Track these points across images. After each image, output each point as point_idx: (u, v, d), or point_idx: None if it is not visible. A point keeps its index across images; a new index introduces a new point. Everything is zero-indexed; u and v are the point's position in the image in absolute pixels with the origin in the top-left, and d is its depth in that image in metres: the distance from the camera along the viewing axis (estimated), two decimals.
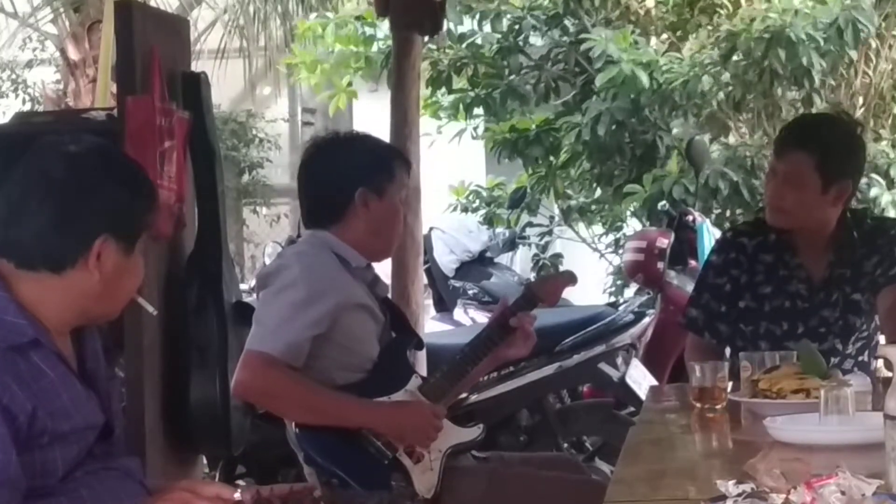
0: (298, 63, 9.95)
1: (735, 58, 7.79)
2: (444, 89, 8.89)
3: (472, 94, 8.85)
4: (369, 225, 3.32)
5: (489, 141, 8.91)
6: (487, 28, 8.81)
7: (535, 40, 8.89)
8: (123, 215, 2.28)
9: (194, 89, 4.71)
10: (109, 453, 2.32)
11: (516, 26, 8.68)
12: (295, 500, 2.75)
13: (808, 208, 3.48)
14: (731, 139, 8.49)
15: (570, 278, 3.64)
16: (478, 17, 8.75)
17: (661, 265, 6.47)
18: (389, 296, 3.66)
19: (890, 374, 2.16)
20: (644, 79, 7.92)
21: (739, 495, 1.77)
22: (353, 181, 3.31)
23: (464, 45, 8.80)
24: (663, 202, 7.77)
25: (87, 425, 2.28)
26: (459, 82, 8.91)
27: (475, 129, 9.44)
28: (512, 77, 8.75)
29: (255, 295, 3.55)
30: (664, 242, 6.57)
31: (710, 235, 6.65)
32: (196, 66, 5.15)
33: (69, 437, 2.23)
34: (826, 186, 3.45)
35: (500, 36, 8.73)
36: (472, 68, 8.82)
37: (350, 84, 9.89)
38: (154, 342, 4.35)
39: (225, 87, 10.16)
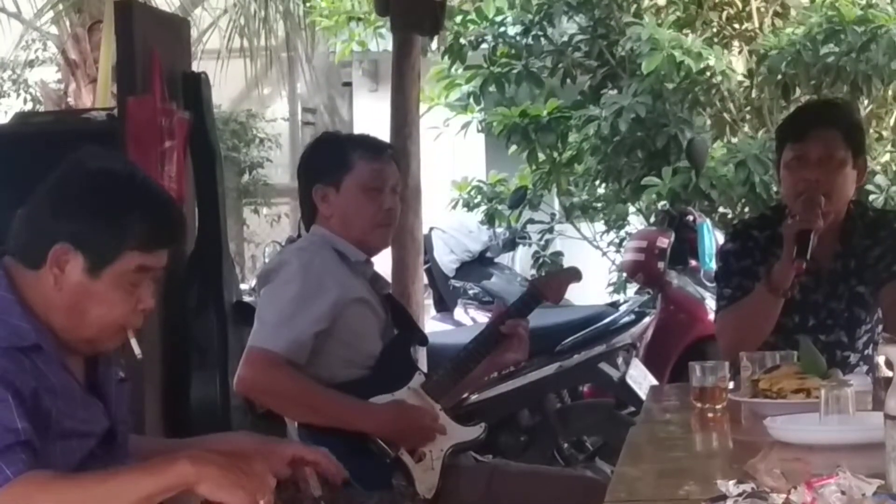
0: (318, 7, 10.00)
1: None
2: (458, 64, 8.90)
3: (488, 70, 8.82)
4: (337, 219, 3.34)
5: (499, 125, 8.87)
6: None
7: (560, 25, 8.85)
8: (88, 235, 2.23)
9: (195, 89, 4.72)
10: (110, 454, 2.32)
11: (545, 7, 8.63)
12: (296, 500, 2.75)
13: (846, 189, 3.45)
14: (735, 139, 8.49)
15: (575, 275, 3.62)
16: None
17: (661, 265, 6.47)
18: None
19: (890, 374, 2.16)
20: (693, 64, 7.84)
21: (740, 495, 1.77)
22: (309, 181, 3.38)
23: (488, 22, 8.81)
24: (664, 202, 7.78)
25: (87, 431, 2.28)
26: (476, 59, 8.92)
27: (481, 122, 9.43)
28: (531, 59, 8.73)
29: (255, 294, 3.56)
30: (665, 242, 6.57)
31: (710, 235, 6.66)
32: (197, 67, 5.16)
33: (70, 438, 2.24)
34: (854, 160, 3.44)
35: (529, 16, 8.71)
36: (492, 46, 8.83)
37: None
38: (154, 342, 4.36)
39: (225, 87, 10.17)
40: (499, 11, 8.91)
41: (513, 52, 8.84)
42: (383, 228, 3.39)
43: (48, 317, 2.25)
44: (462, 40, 8.83)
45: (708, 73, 8.02)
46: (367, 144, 3.43)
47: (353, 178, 3.33)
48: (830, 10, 7.78)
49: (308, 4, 10.82)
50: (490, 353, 3.43)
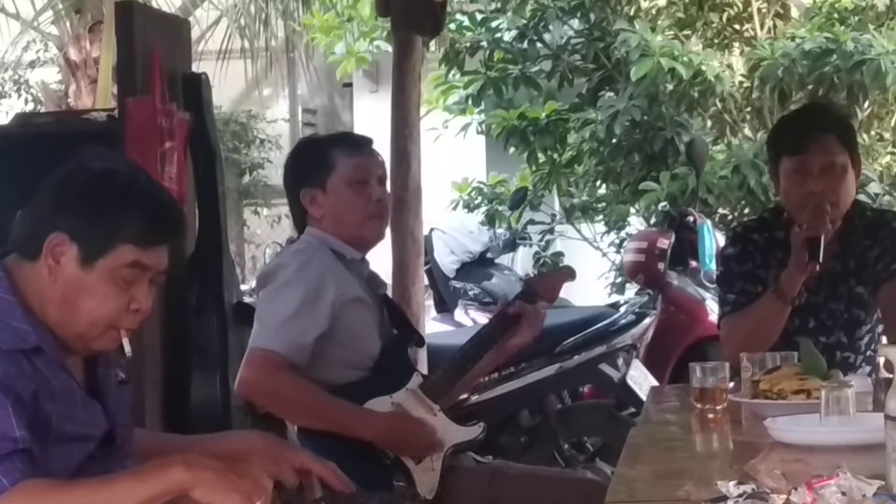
0: (315, 25, 9.99)
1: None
2: (455, 70, 8.89)
3: (485, 75, 8.81)
4: (328, 219, 3.34)
5: (497, 127, 8.86)
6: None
7: (556, 30, 8.85)
8: (84, 226, 2.23)
9: (195, 90, 4.72)
10: (109, 456, 2.32)
11: (539, 13, 8.64)
12: (296, 501, 2.75)
13: (850, 193, 3.44)
14: (735, 140, 8.49)
15: (569, 274, 3.62)
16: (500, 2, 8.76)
17: (661, 266, 6.48)
18: (389, 295, 3.64)
19: (890, 375, 2.16)
20: (683, 71, 7.84)
21: (740, 496, 1.77)
22: (295, 187, 3.39)
23: (483, 29, 8.81)
24: (664, 203, 7.78)
25: (87, 434, 2.28)
26: (473, 65, 8.93)
27: (480, 123, 9.42)
28: (527, 63, 8.73)
29: (255, 295, 3.56)
30: (665, 243, 6.57)
31: (710, 236, 6.66)
32: (197, 67, 5.16)
33: (70, 442, 2.24)
34: (852, 160, 3.44)
35: (523, 22, 8.71)
36: (489, 52, 8.83)
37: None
38: (154, 342, 4.36)
39: (226, 88, 10.17)
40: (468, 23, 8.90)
41: (509, 56, 8.85)
42: (376, 220, 3.39)
43: (44, 312, 2.24)
44: (458, 46, 8.84)
45: (702, 77, 8.02)
46: (347, 141, 3.45)
47: (338, 176, 3.33)
48: (826, 33, 7.81)
49: (301, 24, 10.84)
50: (488, 352, 3.42)
